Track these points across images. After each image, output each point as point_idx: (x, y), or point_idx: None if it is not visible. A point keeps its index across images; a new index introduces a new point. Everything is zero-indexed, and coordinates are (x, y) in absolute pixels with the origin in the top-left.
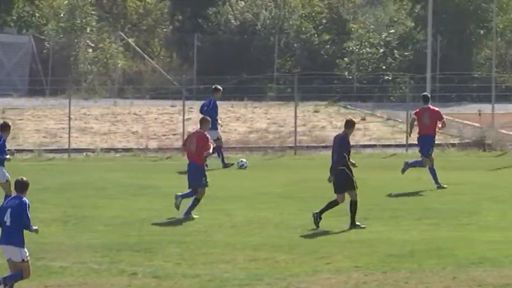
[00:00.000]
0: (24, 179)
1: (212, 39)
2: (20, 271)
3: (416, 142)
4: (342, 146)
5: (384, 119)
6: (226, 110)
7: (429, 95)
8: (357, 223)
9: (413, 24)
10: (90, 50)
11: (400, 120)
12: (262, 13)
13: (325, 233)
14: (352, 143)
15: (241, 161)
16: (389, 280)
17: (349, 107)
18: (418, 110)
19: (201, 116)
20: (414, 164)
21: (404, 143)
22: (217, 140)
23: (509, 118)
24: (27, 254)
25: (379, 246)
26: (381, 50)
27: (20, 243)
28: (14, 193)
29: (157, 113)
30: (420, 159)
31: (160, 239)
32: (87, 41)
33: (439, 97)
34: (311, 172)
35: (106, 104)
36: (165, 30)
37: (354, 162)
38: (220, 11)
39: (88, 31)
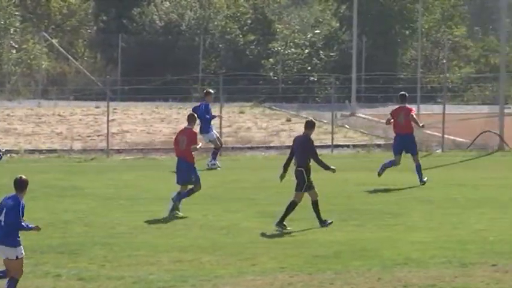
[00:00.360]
0: (23, 177)
1: (137, 39)
2: (8, 270)
3: (381, 142)
4: (305, 148)
5: None
6: (150, 111)
7: (406, 94)
8: (284, 223)
9: (338, 24)
10: (14, 51)
11: (325, 121)
12: (187, 14)
13: (250, 234)
14: (276, 144)
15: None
16: (315, 281)
17: (274, 107)
18: (394, 109)
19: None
20: (389, 165)
21: (330, 143)
22: (212, 141)
23: (435, 119)
24: (23, 251)
25: (305, 247)
26: (306, 51)
27: (15, 244)
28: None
29: (82, 114)
30: (393, 159)
31: (84, 241)
32: (11, 42)
33: (365, 98)
34: (236, 173)
35: (30, 105)
36: (89, 30)
37: (332, 167)
38: (145, 11)
39: (11, 32)
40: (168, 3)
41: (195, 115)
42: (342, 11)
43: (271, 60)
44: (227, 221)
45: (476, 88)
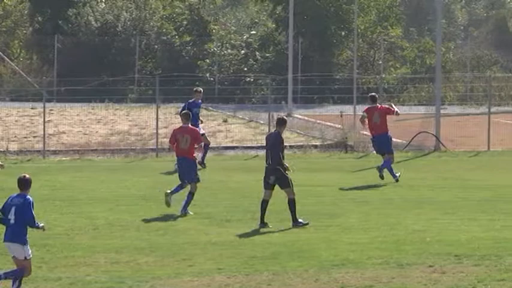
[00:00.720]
0: (27, 176)
1: (73, 40)
2: (20, 268)
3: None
4: (275, 145)
5: (246, 121)
6: (87, 112)
7: (377, 96)
8: (300, 220)
9: (274, 25)
10: None
11: (262, 122)
12: (122, 15)
13: (187, 235)
14: (213, 145)
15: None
16: (252, 282)
17: (210, 108)
18: (367, 108)
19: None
20: (386, 165)
21: None
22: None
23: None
24: (30, 251)
25: (242, 248)
26: (242, 52)
27: (24, 242)
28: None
29: (18, 115)
30: (387, 159)
31: None
32: None
33: (301, 98)
34: (173, 174)
35: None
36: (25, 31)
37: (287, 165)
38: (80, 12)
39: None
40: (103, 4)
41: (188, 112)
42: (277, 12)
43: (207, 61)
44: (164, 222)
45: (412, 89)
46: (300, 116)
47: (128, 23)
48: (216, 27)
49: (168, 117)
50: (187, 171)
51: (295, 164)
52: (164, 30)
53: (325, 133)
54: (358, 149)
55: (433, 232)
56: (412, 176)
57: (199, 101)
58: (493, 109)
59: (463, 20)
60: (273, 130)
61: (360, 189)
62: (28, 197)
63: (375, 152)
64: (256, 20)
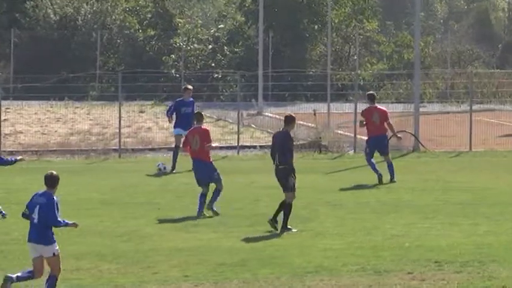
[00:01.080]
0: (54, 173)
1: (30, 35)
2: (31, 271)
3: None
4: (284, 144)
5: (214, 120)
6: (45, 111)
7: (375, 94)
8: (289, 226)
9: (243, 18)
10: None
11: (230, 121)
12: (83, 7)
13: (152, 241)
14: (179, 144)
15: (160, 164)
16: None
17: None
18: (365, 109)
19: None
20: (391, 168)
21: (236, 144)
22: None
23: (346, 118)
24: (57, 247)
25: (209, 254)
26: (210, 46)
27: (49, 241)
28: None
29: None
30: (388, 161)
31: None
32: None
33: (272, 96)
34: (136, 176)
35: None
36: None
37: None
38: (38, 5)
39: None
40: None
41: (202, 113)
42: (247, 4)
43: (172, 56)
44: (127, 227)
45: (389, 86)
46: (270, 115)
47: (89, 16)
48: (182, 20)
49: (131, 116)
50: (206, 172)
51: (265, 165)
52: (127, 23)
53: (298, 133)
54: (332, 150)
55: (412, 237)
56: (389, 177)
57: (190, 99)
58: (475, 107)
59: (442, 13)
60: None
61: (334, 192)
62: (53, 196)
63: (366, 152)
64: (225, 13)
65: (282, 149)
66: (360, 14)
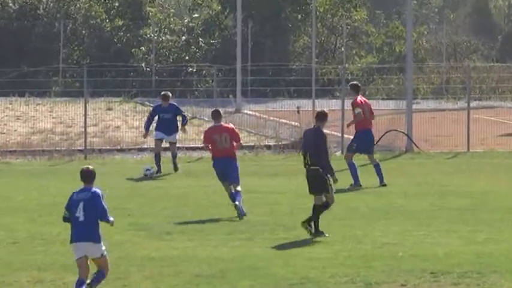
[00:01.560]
0: (91, 167)
1: None
2: (101, 271)
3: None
4: (316, 142)
5: (188, 118)
6: (4, 108)
7: (359, 84)
8: (321, 230)
9: (220, 7)
10: None
11: (206, 119)
12: None
13: (121, 249)
14: (150, 145)
15: (148, 170)
16: None
17: (147, 103)
18: (356, 100)
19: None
20: (379, 168)
21: None
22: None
23: (333, 116)
24: (104, 248)
25: (185, 264)
26: (184, 38)
27: (98, 239)
28: None
29: None
30: (375, 162)
31: None
32: None
33: (251, 92)
34: (104, 180)
35: None
36: None
37: (336, 178)
38: None
39: None
40: None
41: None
42: None
43: (142, 48)
44: None
45: (379, 81)
46: (250, 112)
47: (51, 4)
48: (152, 9)
49: (97, 114)
50: (235, 171)
51: (245, 167)
52: (93, 13)
53: (280, 132)
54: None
55: (405, 246)
56: (378, 181)
57: (170, 103)
58: (473, 104)
59: (437, 1)
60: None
61: None
62: (95, 189)
63: (352, 149)
64: (200, 1)
65: (314, 147)
66: (347, 2)
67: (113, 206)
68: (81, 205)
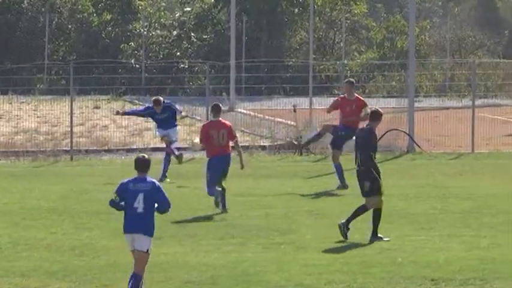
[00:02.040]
0: (146, 156)
1: None
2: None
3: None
4: (366, 143)
5: (179, 117)
6: None
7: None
8: (380, 235)
9: (213, 1)
10: None
11: (198, 118)
12: None
13: (108, 255)
14: (139, 146)
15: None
16: None
17: (136, 101)
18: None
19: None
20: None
21: None
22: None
23: (331, 115)
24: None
25: (174, 271)
26: (175, 33)
27: (152, 233)
28: None
29: None
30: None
31: None
32: None
33: (246, 89)
34: (90, 181)
35: None
36: None
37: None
38: None
39: None
40: None
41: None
42: None
43: (132, 44)
44: (80, 239)
45: (380, 78)
46: (244, 111)
47: None
48: (142, 3)
49: (84, 112)
50: (228, 168)
51: (237, 169)
52: (79, 6)
53: (276, 131)
54: (315, 151)
55: (405, 251)
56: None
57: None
58: (478, 102)
59: None
60: None
61: (317, 200)
62: (153, 180)
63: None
64: None
65: (365, 148)
66: None
67: (99, 210)
68: (140, 196)
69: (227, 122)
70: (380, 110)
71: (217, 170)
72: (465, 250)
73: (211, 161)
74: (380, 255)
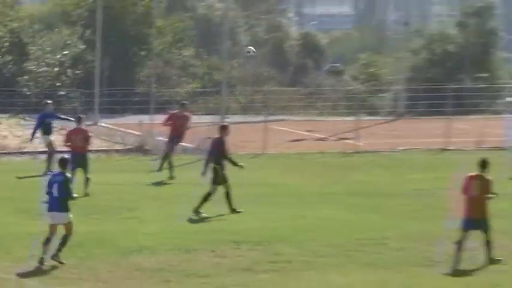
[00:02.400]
0: (66, 156)
1: None
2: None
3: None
4: (220, 149)
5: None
6: None
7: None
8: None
9: (84, 46)
10: None
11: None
12: None
13: (4, 229)
14: (30, 149)
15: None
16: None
17: (28, 118)
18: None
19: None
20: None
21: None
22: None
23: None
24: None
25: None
26: (56, 69)
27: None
28: None
29: None
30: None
31: None
32: None
33: (106, 109)
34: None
35: None
36: None
37: (241, 164)
38: None
39: None
40: None
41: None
42: (86, 35)
43: (25, 77)
44: None
45: (201, 101)
46: (105, 124)
47: None
48: (33, 48)
49: None
50: (84, 162)
51: (100, 166)
52: None
53: (126, 139)
54: (154, 152)
55: (222, 225)
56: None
57: (51, 110)
58: (270, 118)
59: (246, 41)
60: None
61: (156, 188)
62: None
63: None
64: (69, 42)
65: (217, 152)
66: (179, 42)
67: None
68: (55, 185)
69: (86, 129)
70: (226, 124)
71: (74, 162)
72: (258, 222)
73: (71, 155)
74: (198, 224)
